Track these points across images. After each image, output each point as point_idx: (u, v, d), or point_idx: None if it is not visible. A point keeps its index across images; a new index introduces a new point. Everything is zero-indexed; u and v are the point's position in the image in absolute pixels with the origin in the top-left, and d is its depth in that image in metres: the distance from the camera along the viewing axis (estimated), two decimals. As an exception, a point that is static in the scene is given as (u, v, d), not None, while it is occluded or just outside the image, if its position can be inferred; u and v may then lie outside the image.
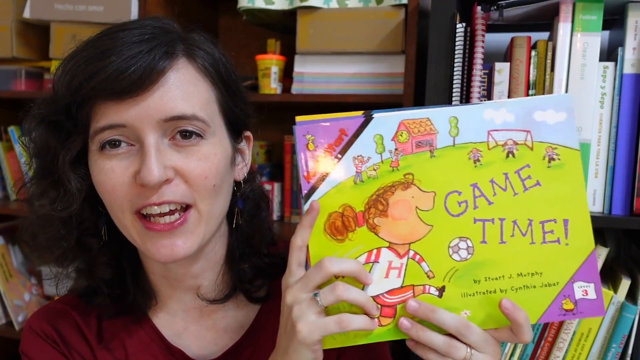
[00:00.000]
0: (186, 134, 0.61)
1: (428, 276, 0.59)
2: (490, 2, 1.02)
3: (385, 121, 0.58)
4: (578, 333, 1.01)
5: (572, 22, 0.98)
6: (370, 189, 0.58)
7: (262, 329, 0.73)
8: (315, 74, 1.34)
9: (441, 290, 0.59)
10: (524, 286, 0.59)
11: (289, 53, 1.38)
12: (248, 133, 0.73)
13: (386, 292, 0.59)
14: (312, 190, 0.58)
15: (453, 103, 1.03)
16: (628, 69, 0.98)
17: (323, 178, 0.58)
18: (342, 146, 0.58)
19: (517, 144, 0.58)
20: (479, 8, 1.03)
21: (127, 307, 0.71)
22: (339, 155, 0.58)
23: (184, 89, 0.61)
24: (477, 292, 0.59)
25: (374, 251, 0.59)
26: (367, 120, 0.58)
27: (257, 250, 0.74)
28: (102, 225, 0.68)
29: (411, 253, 0.59)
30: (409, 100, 1.20)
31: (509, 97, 1.04)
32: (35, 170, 0.66)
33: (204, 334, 0.73)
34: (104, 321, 0.73)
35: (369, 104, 1.27)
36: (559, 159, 0.59)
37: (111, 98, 0.58)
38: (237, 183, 0.71)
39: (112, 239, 0.69)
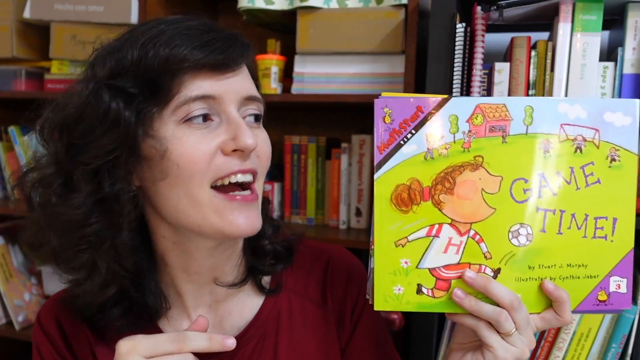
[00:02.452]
0: (254, 116, 0.67)
1: (485, 257, 0.61)
2: (490, 2, 1.02)
3: (462, 103, 0.60)
4: (578, 333, 1.02)
5: (572, 22, 0.98)
6: (439, 166, 0.60)
7: (266, 320, 0.74)
8: (315, 74, 1.34)
9: (496, 272, 0.61)
10: (570, 276, 0.62)
11: (289, 53, 1.38)
12: None
13: (443, 266, 0.61)
14: (384, 161, 0.60)
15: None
16: (628, 69, 0.98)
17: (395, 151, 0.60)
18: (417, 122, 0.60)
19: (585, 140, 0.60)
20: (479, 8, 1.03)
21: (140, 313, 0.70)
22: (413, 131, 0.60)
23: (250, 76, 0.68)
24: (529, 278, 0.62)
25: (436, 226, 0.61)
26: (445, 100, 0.60)
27: (267, 236, 0.77)
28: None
29: (472, 232, 0.61)
30: (409, 100, 1.20)
31: (509, 96, 1.04)
32: (99, 148, 0.61)
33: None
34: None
35: (369, 104, 1.27)
36: (619, 161, 0.61)
37: (214, 69, 0.62)
38: None
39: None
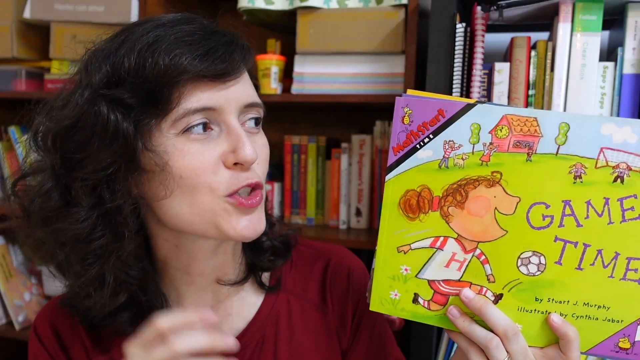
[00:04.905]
0: (254, 121, 0.66)
1: (488, 279, 0.58)
2: (490, 2, 1.02)
3: (487, 111, 0.54)
4: (578, 333, 1.01)
5: (572, 22, 0.98)
6: (453, 176, 0.56)
7: (265, 323, 0.74)
8: (315, 74, 1.34)
9: (498, 297, 0.58)
10: (587, 316, 0.57)
11: (289, 53, 1.38)
12: None
13: (442, 280, 0.59)
14: (397, 163, 0.58)
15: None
16: (628, 69, 0.98)
17: (410, 154, 0.57)
18: (437, 127, 0.56)
19: (630, 169, 0.53)
20: (479, 8, 1.04)
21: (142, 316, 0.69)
22: (431, 136, 0.56)
23: (250, 80, 0.66)
24: (535, 310, 0.58)
25: (441, 238, 0.58)
26: (470, 106, 0.55)
27: (265, 233, 0.75)
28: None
29: (477, 252, 0.58)
30: (409, 100, 1.20)
31: (508, 96, 1.04)
32: (97, 162, 0.59)
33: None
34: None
35: (369, 104, 1.28)
36: None
37: (214, 79, 0.60)
38: None
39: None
